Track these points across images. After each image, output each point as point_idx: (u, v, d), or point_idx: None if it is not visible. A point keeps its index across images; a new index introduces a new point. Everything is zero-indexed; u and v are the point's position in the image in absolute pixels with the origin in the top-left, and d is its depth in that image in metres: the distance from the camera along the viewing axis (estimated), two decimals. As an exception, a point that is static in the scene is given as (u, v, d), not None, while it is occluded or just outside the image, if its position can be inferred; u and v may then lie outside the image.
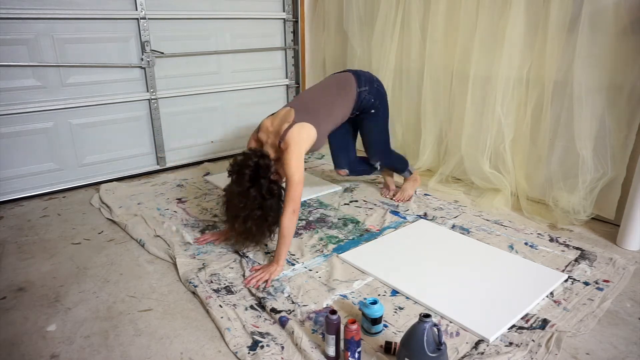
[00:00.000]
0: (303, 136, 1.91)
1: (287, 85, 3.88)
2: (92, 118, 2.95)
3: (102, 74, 2.93)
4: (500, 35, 2.54)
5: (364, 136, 2.48)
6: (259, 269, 1.89)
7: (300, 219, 2.45)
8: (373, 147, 2.49)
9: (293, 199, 1.86)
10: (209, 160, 3.50)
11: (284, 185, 1.92)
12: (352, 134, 2.56)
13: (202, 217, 2.48)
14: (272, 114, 2.11)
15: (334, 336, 1.40)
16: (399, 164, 2.69)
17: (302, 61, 3.87)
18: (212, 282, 1.86)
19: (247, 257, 2.04)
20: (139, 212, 2.51)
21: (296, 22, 3.76)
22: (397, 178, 2.87)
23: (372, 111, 2.27)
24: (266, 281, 1.83)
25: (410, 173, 2.72)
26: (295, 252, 2.11)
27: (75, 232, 2.35)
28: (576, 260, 2.04)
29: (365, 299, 1.63)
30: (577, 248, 2.15)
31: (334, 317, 1.39)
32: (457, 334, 1.56)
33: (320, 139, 2.01)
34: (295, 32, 3.79)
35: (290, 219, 1.86)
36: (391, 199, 2.71)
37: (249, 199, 1.82)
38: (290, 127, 1.91)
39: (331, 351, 1.42)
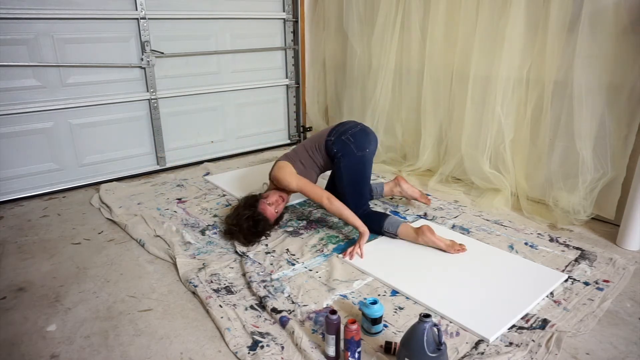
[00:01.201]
0: (280, 166, 2.30)
1: (287, 85, 3.88)
2: (92, 118, 2.95)
3: (102, 74, 2.93)
4: (500, 35, 2.54)
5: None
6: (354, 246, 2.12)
7: (300, 219, 2.45)
8: (341, 195, 2.30)
9: (314, 195, 2.20)
10: (209, 160, 3.50)
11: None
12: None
13: (202, 217, 2.48)
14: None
15: (334, 336, 1.40)
16: (371, 223, 2.22)
17: (302, 61, 3.87)
18: (212, 282, 1.86)
19: (247, 256, 2.04)
20: (139, 212, 2.51)
21: (296, 22, 3.76)
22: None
23: (335, 160, 2.30)
24: (360, 249, 2.07)
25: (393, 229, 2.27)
26: (295, 252, 2.11)
27: (75, 232, 2.35)
28: (576, 260, 2.04)
29: (365, 299, 1.63)
30: (577, 248, 2.15)
31: (334, 317, 1.39)
32: (457, 334, 1.56)
33: (304, 173, 2.31)
34: (295, 32, 3.79)
35: (330, 204, 2.15)
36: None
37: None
38: (271, 170, 2.36)
39: (331, 351, 1.42)
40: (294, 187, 2.25)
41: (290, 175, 2.25)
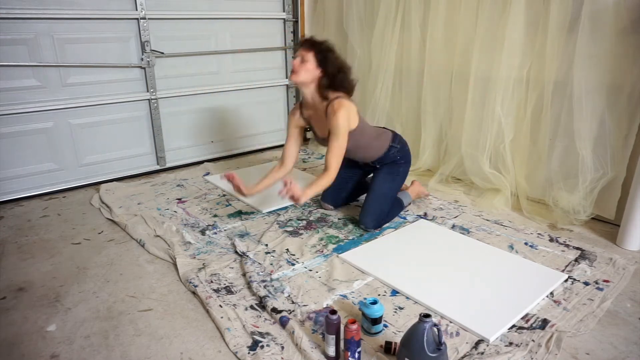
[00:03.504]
0: (345, 104, 2.19)
1: (287, 85, 3.88)
2: (92, 118, 2.95)
3: (102, 74, 2.93)
4: (500, 35, 2.54)
5: (370, 190, 2.37)
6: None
7: (300, 219, 2.45)
8: (373, 201, 2.33)
9: (337, 157, 2.20)
10: (209, 160, 3.50)
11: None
12: (354, 182, 2.56)
13: (202, 217, 2.48)
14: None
15: (334, 336, 1.40)
16: (394, 215, 2.46)
17: (302, 61, 3.86)
18: (212, 282, 1.86)
19: (247, 256, 2.04)
20: (139, 212, 2.51)
21: (296, 22, 3.76)
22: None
23: (394, 166, 2.40)
24: (296, 198, 2.02)
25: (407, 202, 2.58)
26: (295, 252, 2.11)
27: (75, 232, 2.35)
28: (576, 260, 2.04)
29: (365, 299, 1.63)
30: (577, 248, 2.15)
31: (334, 317, 1.39)
32: (457, 334, 1.56)
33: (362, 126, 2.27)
34: (295, 32, 3.79)
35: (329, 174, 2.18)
36: None
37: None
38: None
39: (331, 351, 1.42)
40: (342, 130, 2.12)
41: (353, 117, 2.17)
